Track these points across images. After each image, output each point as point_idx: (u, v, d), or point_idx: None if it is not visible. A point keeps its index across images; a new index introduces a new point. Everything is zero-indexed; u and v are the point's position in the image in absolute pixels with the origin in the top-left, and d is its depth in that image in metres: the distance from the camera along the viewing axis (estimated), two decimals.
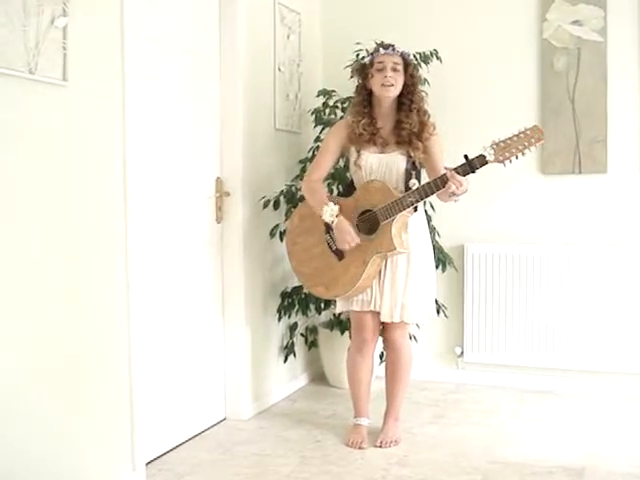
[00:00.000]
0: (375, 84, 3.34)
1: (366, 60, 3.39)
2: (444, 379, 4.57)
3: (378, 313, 3.44)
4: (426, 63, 4.20)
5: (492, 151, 3.11)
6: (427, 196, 3.24)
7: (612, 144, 4.25)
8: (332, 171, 4.14)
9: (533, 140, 3.14)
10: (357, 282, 3.32)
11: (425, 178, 3.43)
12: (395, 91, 3.33)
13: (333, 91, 4.35)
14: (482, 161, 3.13)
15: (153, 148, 3.29)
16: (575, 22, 4.26)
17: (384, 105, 3.38)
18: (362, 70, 3.41)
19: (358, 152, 3.41)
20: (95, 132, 2.79)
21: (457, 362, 4.58)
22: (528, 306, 4.35)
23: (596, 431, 3.66)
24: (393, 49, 3.34)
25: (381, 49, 3.34)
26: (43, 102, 2.54)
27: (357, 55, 4.01)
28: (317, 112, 4.33)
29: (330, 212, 3.33)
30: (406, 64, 3.36)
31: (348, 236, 3.31)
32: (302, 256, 3.54)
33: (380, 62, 3.32)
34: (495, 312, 4.42)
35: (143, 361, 3.11)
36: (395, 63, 3.32)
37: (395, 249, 3.27)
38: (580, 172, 4.30)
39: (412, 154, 3.34)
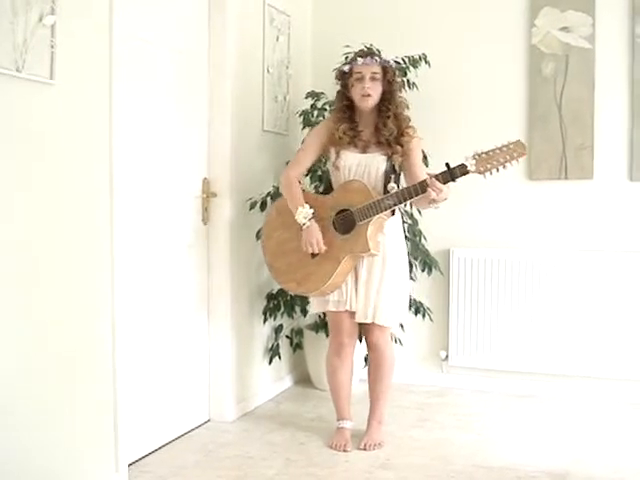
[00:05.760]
0: (355, 94, 3.38)
1: (346, 68, 3.41)
2: (429, 382, 4.58)
3: (354, 314, 3.45)
4: (415, 67, 4.21)
5: (474, 161, 3.13)
6: (405, 200, 3.25)
7: (598, 150, 4.27)
8: (319, 173, 4.16)
9: (515, 154, 3.15)
10: (328, 280, 3.32)
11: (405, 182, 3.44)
12: (374, 100, 3.37)
13: (322, 93, 4.35)
14: (463, 170, 3.14)
15: (140, 148, 3.28)
16: (564, 29, 4.28)
17: (364, 111, 3.41)
18: (342, 77, 3.44)
19: (337, 153, 3.42)
20: (82, 131, 2.77)
21: (442, 366, 4.59)
22: (513, 311, 4.36)
23: (580, 436, 3.67)
24: (371, 58, 3.36)
25: (359, 59, 3.37)
26: (30, 100, 2.52)
27: (346, 58, 4.00)
28: (305, 114, 4.33)
29: (304, 214, 3.35)
30: (384, 72, 3.38)
31: (314, 241, 3.32)
32: (276, 250, 3.55)
33: (359, 72, 3.36)
34: (480, 316, 4.43)
35: (127, 362, 3.09)
36: (374, 73, 3.35)
37: (369, 251, 3.29)
38: (566, 178, 4.32)
39: (391, 156, 3.36)
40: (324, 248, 3.33)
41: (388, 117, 3.37)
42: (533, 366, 4.33)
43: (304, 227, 3.35)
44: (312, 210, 3.36)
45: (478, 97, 4.48)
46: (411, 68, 4.20)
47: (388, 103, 3.38)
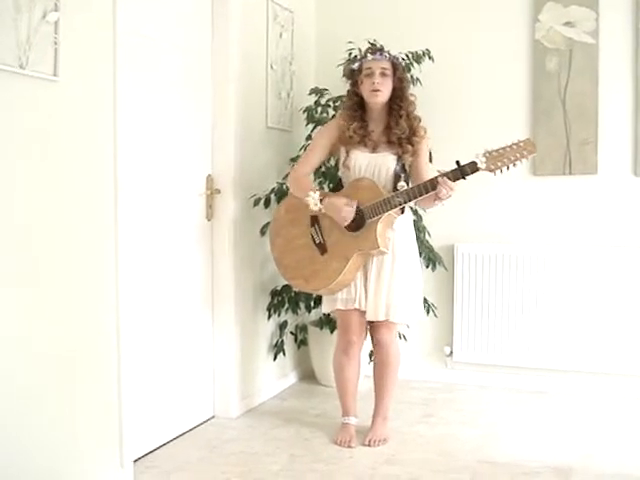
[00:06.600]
0: (364, 90, 3.37)
1: (355, 66, 3.40)
2: (433, 378, 4.57)
3: (364, 312, 3.44)
4: (418, 63, 4.21)
5: (484, 159, 3.12)
6: (416, 198, 3.24)
7: (602, 145, 4.26)
8: (323, 170, 4.16)
9: (525, 152, 3.15)
10: (337, 277, 3.32)
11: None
12: (384, 96, 3.36)
13: (325, 89, 4.35)
14: (473, 168, 3.13)
15: (144, 145, 3.28)
16: (567, 23, 4.27)
17: (375, 109, 3.40)
18: (351, 75, 3.43)
19: (347, 153, 3.41)
20: (86, 128, 2.77)
21: (446, 361, 4.59)
22: (517, 306, 4.36)
23: (585, 432, 3.67)
24: (381, 54, 3.36)
25: (369, 55, 3.37)
26: (34, 97, 2.53)
27: (349, 54, 4.01)
28: (309, 110, 4.32)
29: (313, 201, 3.32)
30: (395, 68, 3.37)
31: (343, 213, 3.27)
32: (285, 247, 3.54)
33: (368, 68, 3.35)
34: (484, 312, 4.42)
35: (132, 358, 3.10)
36: (383, 68, 3.34)
37: (378, 248, 3.28)
38: (570, 173, 4.31)
39: (402, 156, 3.35)
40: (353, 212, 3.26)
41: (400, 116, 3.36)
42: (538, 362, 4.33)
43: (322, 210, 3.33)
44: (318, 192, 3.33)
45: (481, 92, 4.47)
46: (414, 64, 4.19)
47: (400, 101, 3.38)
